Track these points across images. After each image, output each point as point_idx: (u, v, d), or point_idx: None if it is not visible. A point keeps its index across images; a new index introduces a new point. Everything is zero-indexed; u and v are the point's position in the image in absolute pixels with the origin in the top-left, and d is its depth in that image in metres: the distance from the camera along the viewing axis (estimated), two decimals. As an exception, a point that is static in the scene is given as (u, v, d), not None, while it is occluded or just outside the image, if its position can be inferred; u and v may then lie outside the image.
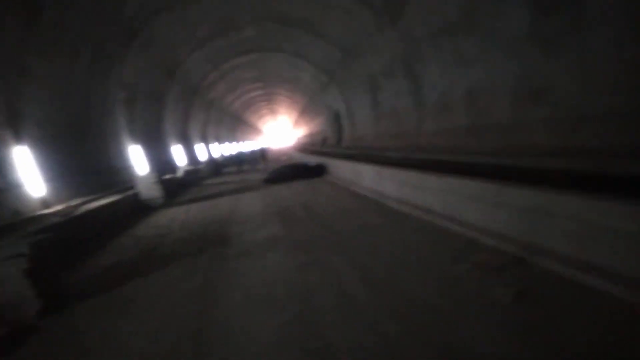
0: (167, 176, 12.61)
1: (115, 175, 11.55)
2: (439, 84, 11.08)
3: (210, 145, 30.88)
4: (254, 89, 35.63)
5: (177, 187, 13.26)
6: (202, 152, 26.97)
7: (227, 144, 40.86)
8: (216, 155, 32.19)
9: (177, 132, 21.08)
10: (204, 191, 12.91)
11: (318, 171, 14.12)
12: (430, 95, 11.86)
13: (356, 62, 18.69)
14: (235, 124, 44.25)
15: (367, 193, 8.85)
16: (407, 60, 12.80)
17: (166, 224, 7.91)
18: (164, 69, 15.85)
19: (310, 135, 48.94)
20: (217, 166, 20.09)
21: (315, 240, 5.49)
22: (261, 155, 23.77)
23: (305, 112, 43.85)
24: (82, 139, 10.09)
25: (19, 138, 7.52)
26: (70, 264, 5.60)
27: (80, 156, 9.74)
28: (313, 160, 19.09)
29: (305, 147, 37.46)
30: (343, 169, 11.99)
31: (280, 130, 72.85)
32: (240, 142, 51.78)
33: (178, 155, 20.44)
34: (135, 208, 9.67)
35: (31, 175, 7.65)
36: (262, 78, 31.49)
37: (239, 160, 23.65)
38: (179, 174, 14.46)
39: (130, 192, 9.75)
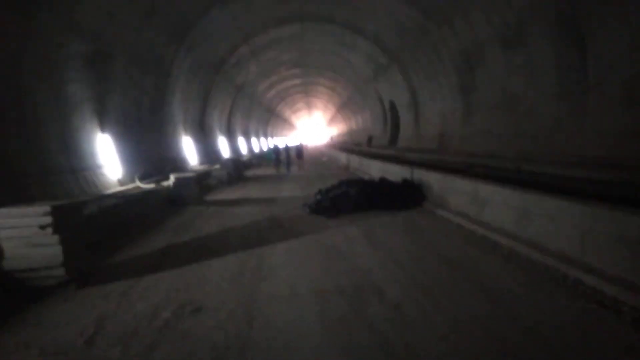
0: (115, 192, 7.09)
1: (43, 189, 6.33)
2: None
3: (237, 139, 25.80)
4: (290, 76, 30.25)
5: (154, 208, 7.83)
6: (224, 147, 21.90)
7: (256, 138, 35.85)
8: (244, 151, 27.11)
9: (191, 119, 15.96)
10: (197, 224, 6.85)
11: (411, 196, 7.77)
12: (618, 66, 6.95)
13: (444, 26, 12.71)
14: (268, 116, 39.21)
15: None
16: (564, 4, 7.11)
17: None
18: (166, 25, 10.58)
19: (350, 134, 42.50)
20: (237, 168, 14.67)
21: None
22: (297, 154, 18.17)
23: (346, 106, 37.78)
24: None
25: None
26: None
27: None
28: (375, 167, 12.74)
29: (347, 147, 31.44)
30: (495, 202, 5.64)
31: (314, 127, 67.51)
32: (272, 138, 46.80)
33: (189, 150, 15.32)
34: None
35: None
36: (302, 62, 25.88)
37: (274, 159, 18.06)
38: (167, 183, 8.91)
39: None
